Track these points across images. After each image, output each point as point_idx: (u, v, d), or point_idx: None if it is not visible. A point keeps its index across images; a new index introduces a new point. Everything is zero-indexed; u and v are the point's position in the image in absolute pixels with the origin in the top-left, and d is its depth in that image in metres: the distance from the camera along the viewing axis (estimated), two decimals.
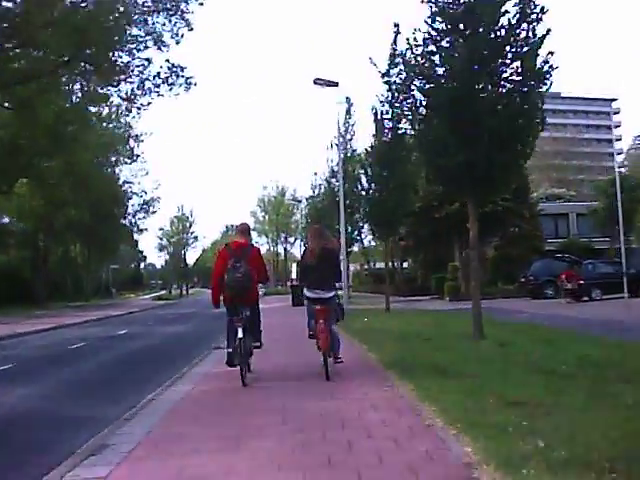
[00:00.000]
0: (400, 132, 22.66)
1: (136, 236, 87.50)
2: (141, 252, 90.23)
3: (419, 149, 12.52)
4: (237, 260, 7.80)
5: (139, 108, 29.66)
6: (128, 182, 54.32)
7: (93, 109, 37.01)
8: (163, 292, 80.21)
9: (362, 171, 24.09)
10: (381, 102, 22.79)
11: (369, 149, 23.47)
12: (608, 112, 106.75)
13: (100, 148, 41.36)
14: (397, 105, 22.50)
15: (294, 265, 77.16)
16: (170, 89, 27.89)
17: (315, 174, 43.79)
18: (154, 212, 57.15)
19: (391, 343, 11.27)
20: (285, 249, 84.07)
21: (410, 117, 12.43)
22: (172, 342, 16.41)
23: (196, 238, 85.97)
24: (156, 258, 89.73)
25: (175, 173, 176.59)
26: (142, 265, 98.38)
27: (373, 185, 23.44)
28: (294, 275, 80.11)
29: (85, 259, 58.83)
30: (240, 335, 7.64)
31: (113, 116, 45.22)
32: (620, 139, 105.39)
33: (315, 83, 22.15)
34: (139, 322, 25.98)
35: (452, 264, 35.28)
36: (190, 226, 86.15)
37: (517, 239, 35.84)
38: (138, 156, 51.98)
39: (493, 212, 32.87)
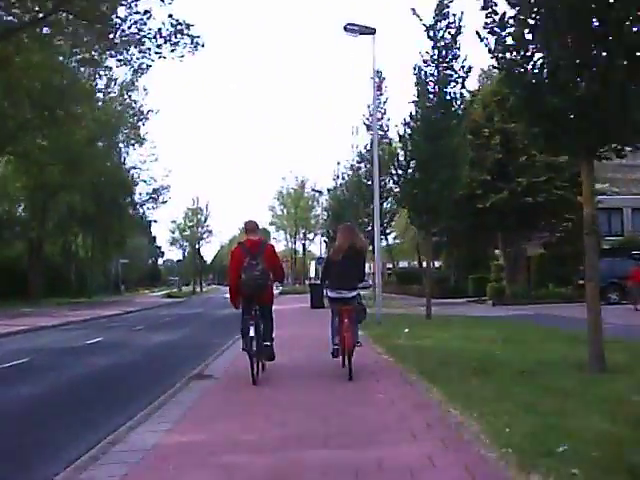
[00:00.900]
0: (448, 97, 18.60)
1: (154, 231, 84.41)
2: (159, 247, 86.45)
3: (514, 84, 8.17)
4: (253, 258, 7.71)
5: (136, 71, 25.62)
6: (135, 168, 50.04)
7: (91, 82, 32.85)
8: (175, 289, 76.68)
9: (399, 145, 19.70)
10: (425, 62, 18.70)
11: (409, 118, 19.14)
12: None
13: (99, 126, 37.10)
14: (445, 64, 18.53)
15: (312, 263, 73.19)
16: (173, 50, 23.80)
17: (338, 163, 39.55)
18: (164, 202, 52.79)
19: (474, 381, 7.01)
20: (304, 245, 79.87)
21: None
22: (146, 361, 12.04)
23: (211, 232, 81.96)
24: (174, 254, 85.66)
25: (189, 164, 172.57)
26: (161, 261, 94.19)
27: (413, 163, 19.22)
28: (312, 273, 76.55)
29: (88, 252, 54.95)
30: (252, 333, 7.58)
31: (114, 89, 41.03)
32: None
33: (346, 30, 17.91)
34: (127, 325, 21.87)
35: (496, 263, 30.86)
36: (205, 220, 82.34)
37: (571, 235, 31.27)
38: (145, 139, 47.87)
39: (542, 202, 28.53)
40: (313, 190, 60.53)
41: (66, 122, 28.25)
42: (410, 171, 19.29)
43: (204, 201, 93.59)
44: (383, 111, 33.89)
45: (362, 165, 33.94)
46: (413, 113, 19.09)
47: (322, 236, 49.60)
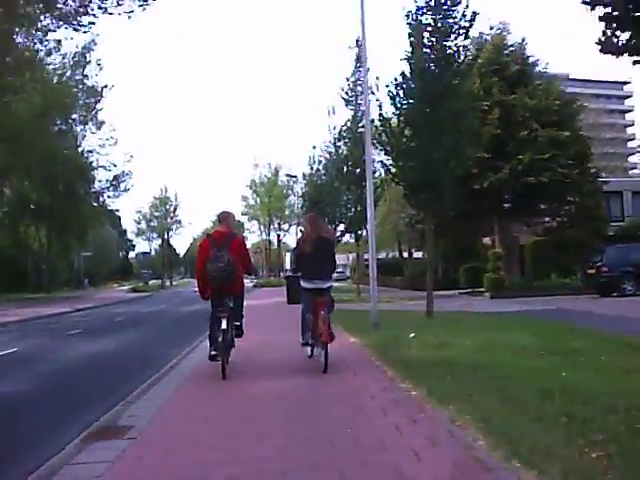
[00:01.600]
0: (449, 51, 15.56)
1: (124, 224, 79.94)
2: (130, 240, 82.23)
3: None
4: (219, 249, 7.56)
5: (77, 29, 22.05)
6: (92, 152, 45.49)
7: (31, 49, 28.85)
8: (141, 283, 72.67)
9: (393, 109, 16.41)
10: (419, 8, 15.72)
11: (401, 78, 15.93)
12: (619, 96, 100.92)
13: (45, 100, 33.03)
14: (444, 11, 15.49)
15: (288, 254, 69.65)
16: (119, 3, 20.26)
17: (314, 147, 36.21)
18: (126, 190, 48.66)
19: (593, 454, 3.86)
20: (278, 236, 76.39)
21: None
22: (45, 391, 8.02)
23: (180, 223, 77.95)
24: (146, 247, 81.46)
25: (155, 152, 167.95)
26: (133, 254, 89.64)
27: (408, 131, 16.11)
28: (288, 265, 73.05)
29: (43, 244, 50.77)
30: (224, 326, 7.31)
31: (61, 63, 36.93)
32: (633, 124, 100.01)
33: None
34: (64, 328, 18.17)
35: (493, 251, 27.80)
36: (174, 210, 78.34)
37: (575, 219, 28.48)
38: (103, 122, 43.88)
39: (545, 183, 25.61)
40: (287, 176, 56.68)
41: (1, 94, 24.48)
42: (404, 140, 16.16)
43: (173, 190, 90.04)
44: (364, 84, 30.53)
45: (341, 145, 30.67)
46: (407, 71, 15.95)
47: (298, 226, 46.03)
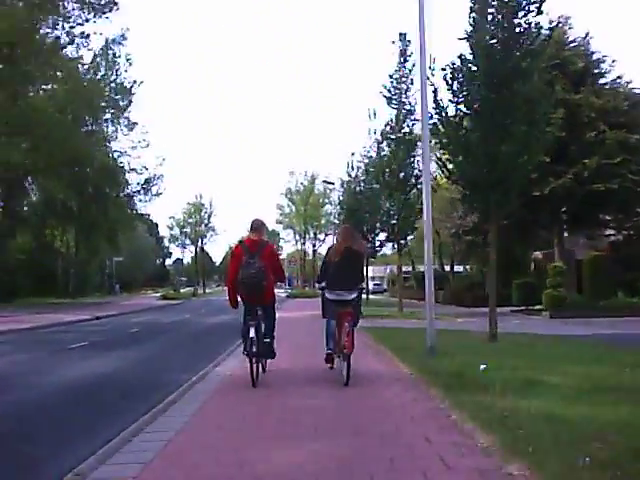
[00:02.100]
0: (518, 30, 13.43)
1: (161, 231, 78.69)
2: (167, 247, 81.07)
3: None
4: (251, 256, 7.59)
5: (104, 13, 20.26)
6: (122, 153, 43.18)
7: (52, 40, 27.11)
8: (172, 291, 71.34)
9: (450, 96, 14.03)
10: None
11: (458, 61, 13.62)
12: None
13: (68, 95, 31.35)
14: None
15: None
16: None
17: (352, 154, 34.27)
18: (158, 194, 47.04)
19: None
20: (313, 246, 74.20)
21: None
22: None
23: (213, 230, 76.46)
24: (185, 255, 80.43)
25: (190, 159, 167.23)
26: (170, 261, 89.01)
27: (468, 121, 13.81)
28: None
29: (70, 248, 49.35)
30: (252, 335, 7.42)
31: (87, 55, 35.26)
32: None
33: None
34: (69, 340, 15.47)
35: (554, 265, 25.01)
36: (209, 217, 76.94)
37: None
38: (135, 123, 42.30)
39: (614, 190, 22.92)
40: (325, 182, 54.07)
41: (23, 84, 22.70)
42: (464, 132, 13.83)
43: (207, 197, 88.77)
44: (410, 82, 28.24)
45: (384, 146, 28.45)
46: (467, 53, 13.68)
47: (335, 235, 43.71)
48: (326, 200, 66.54)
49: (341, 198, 39.45)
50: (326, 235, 68.87)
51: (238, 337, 9.45)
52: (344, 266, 7.83)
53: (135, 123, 42.77)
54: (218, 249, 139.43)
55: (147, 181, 45.88)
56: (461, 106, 13.78)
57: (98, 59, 36.81)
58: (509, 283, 31.68)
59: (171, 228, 74.40)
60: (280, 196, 71.06)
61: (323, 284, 8.04)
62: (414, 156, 27.02)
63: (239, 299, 7.78)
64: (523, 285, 29.46)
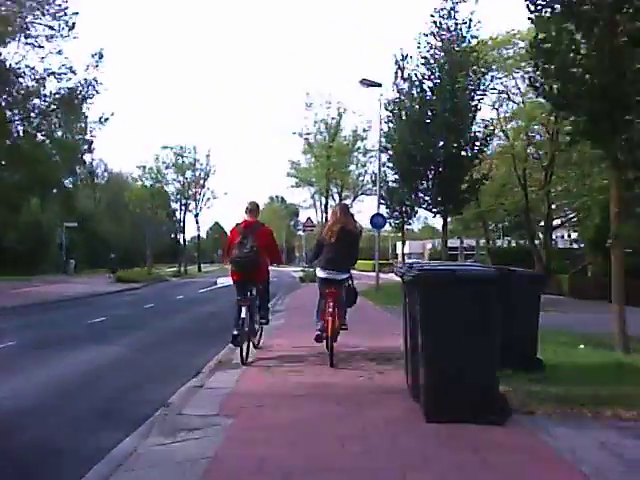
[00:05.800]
0: None
1: (173, 204, 76.93)
2: (180, 222, 79.64)
3: None
4: (245, 237, 9.44)
5: None
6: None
7: None
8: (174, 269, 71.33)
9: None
10: None
11: None
12: None
13: None
14: None
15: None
16: None
17: (403, 58, 26.90)
18: (105, 119, 37.41)
19: None
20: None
21: None
22: None
23: (212, 193, 73.25)
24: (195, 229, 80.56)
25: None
26: (182, 237, 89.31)
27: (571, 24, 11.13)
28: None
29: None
30: (243, 315, 9.14)
31: None
32: None
33: None
34: None
35: None
36: (207, 175, 73.22)
37: None
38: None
39: None
40: (365, 82, 34.33)
41: None
42: (567, 42, 11.12)
43: (203, 151, 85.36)
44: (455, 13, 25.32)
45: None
46: None
47: (377, 194, 35.08)
48: (363, 135, 54.00)
49: (382, 134, 31.63)
50: (355, 196, 60.69)
51: None
52: (339, 248, 9.28)
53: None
54: (208, 214, 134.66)
55: (71, 91, 35.23)
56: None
57: None
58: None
59: (136, 180, 73.66)
60: (293, 136, 56.99)
61: (315, 262, 9.62)
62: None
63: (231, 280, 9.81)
64: None
